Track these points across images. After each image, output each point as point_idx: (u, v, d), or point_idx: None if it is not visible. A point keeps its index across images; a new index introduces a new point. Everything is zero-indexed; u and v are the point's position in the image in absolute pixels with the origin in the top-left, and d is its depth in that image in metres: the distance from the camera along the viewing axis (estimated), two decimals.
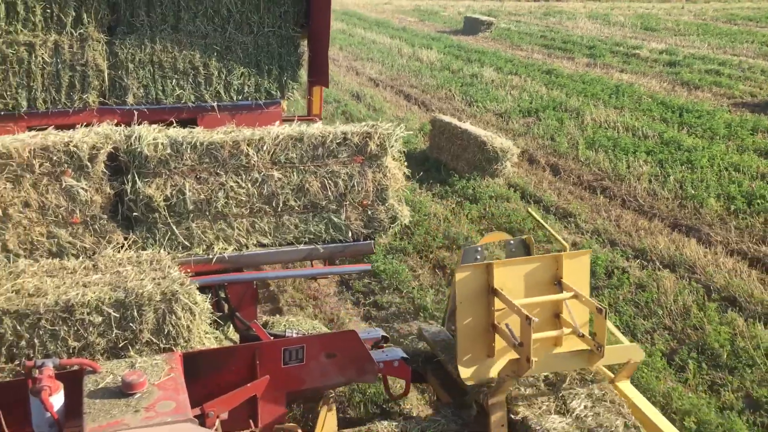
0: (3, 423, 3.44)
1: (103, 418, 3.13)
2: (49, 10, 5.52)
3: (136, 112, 5.70)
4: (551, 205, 9.40)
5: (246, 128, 4.79)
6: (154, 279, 3.93)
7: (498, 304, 4.14)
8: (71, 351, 3.78)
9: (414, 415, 5.06)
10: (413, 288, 7.11)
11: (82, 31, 5.63)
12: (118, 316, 3.78)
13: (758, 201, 8.96)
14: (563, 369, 4.21)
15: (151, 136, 4.46)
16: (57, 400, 3.20)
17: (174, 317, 3.88)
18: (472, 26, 25.45)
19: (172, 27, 5.93)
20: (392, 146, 4.86)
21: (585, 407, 4.10)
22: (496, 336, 4.22)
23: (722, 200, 9.16)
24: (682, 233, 8.43)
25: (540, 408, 4.08)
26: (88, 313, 3.74)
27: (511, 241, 4.85)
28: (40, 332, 3.72)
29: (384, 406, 5.24)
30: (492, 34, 24.53)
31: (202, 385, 3.71)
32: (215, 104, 6.17)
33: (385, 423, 4.20)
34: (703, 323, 6.41)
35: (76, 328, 3.76)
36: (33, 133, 4.44)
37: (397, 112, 14.48)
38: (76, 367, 3.48)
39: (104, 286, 3.85)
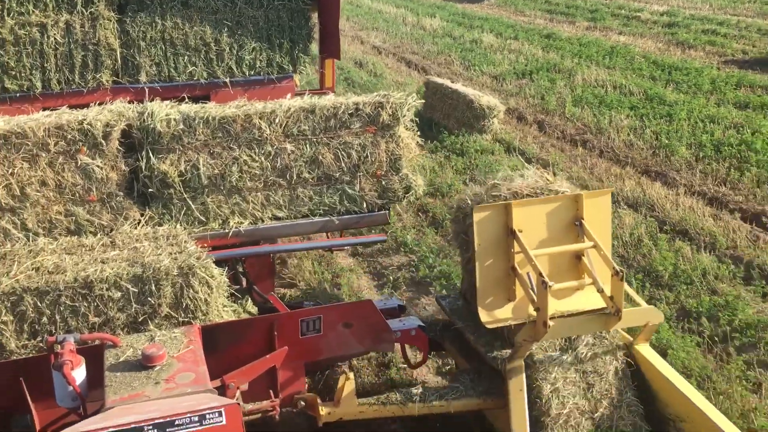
0: (28, 397, 3.52)
1: (124, 391, 3.19)
2: None
3: (148, 90, 5.71)
4: (533, 157, 9.84)
5: (258, 102, 4.78)
6: (170, 254, 3.97)
7: (517, 246, 4.05)
8: (92, 326, 3.85)
9: (431, 383, 5.09)
10: (396, 228, 7.70)
11: (92, 10, 5.63)
12: (136, 291, 3.84)
13: (726, 148, 9.49)
14: (580, 333, 4.20)
15: (163, 112, 4.48)
16: (79, 374, 3.27)
17: (191, 291, 3.93)
18: None
19: (182, 3, 5.91)
20: (404, 116, 4.83)
21: (587, 344, 4.18)
22: (516, 279, 4.13)
23: (693, 148, 9.72)
24: (651, 178, 9.04)
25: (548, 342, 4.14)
26: (107, 289, 3.80)
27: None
28: (61, 308, 3.78)
29: (402, 375, 5.28)
30: (497, 2, 24.66)
31: (222, 357, 3.75)
32: (228, 80, 6.16)
33: (404, 391, 4.22)
34: (652, 250, 7.05)
35: (96, 304, 3.83)
36: (47, 112, 4.47)
37: (397, 78, 14.82)
38: (97, 342, 3.55)
39: (122, 262, 3.90)
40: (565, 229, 4.17)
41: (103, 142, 4.38)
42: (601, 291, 4.00)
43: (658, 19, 19.46)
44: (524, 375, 4.10)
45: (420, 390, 4.25)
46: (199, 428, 2.51)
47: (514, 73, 14.44)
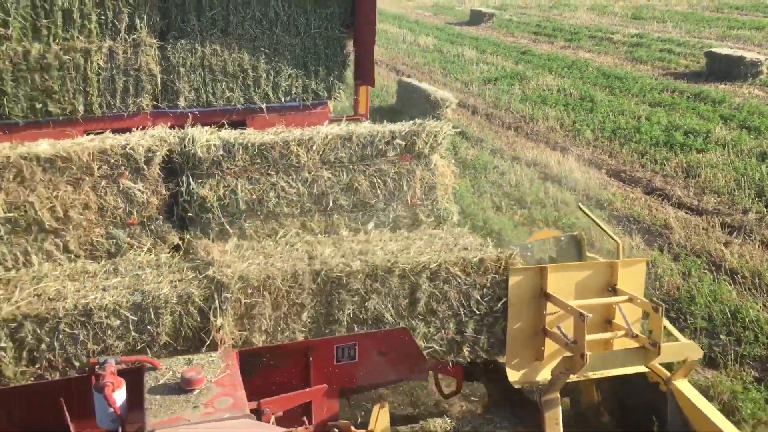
0: (67, 417, 3.56)
1: (164, 414, 3.21)
2: (103, 17, 5.67)
3: (190, 115, 5.81)
4: (471, 136, 12.47)
5: (296, 129, 4.84)
6: (171, 282, 4.00)
7: (550, 308, 4.12)
8: (90, 354, 3.86)
9: (461, 412, 5.05)
10: None
11: (135, 36, 5.77)
12: (135, 319, 3.86)
13: (620, 131, 12.39)
14: (618, 366, 4.15)
15: (203, 137, 4.55)
16: (119, 396, 3.29)
17: (191, 320, 3.95)
18: (476, 18, 28.13)
19: (222, 30, 6.03)
20: (440, 144, 4.86)
21: None
22: (547, 340, 4.20)
23: (596, 132, 12.45)
24: (555, 150, 11.62)
25: None
26: (106, 317, 3.82)
27: (562, 238, 4.81)
28: (60, 336, 3.80)
29: (433, 404, 5.24)
30: (493, 24, 27.10)
31: (257, 381, 3.76)
32: (264, 106, 6.26)
33: (439, 421, 4.20)
34: (525, 187, 9.80)
35: (94, 332, 3.85)
36: (91, 137, 4.57)
37: (384, 81, 17.13)
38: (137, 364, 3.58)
39: (122, 290, 3.93)
40: (598, 294, 4.24)
41: (144, 166, 4.46)
42: (634, 337, 4.00)
43: (627, 41, 21.63)
44: (560, 407, 4.06)
45: (454, 421, 4.22)
46: None
47: (482, 79, 17.10)
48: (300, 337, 4.14)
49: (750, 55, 16.31)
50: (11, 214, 4.25)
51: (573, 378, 4.12)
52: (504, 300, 4.27)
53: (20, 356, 3.81)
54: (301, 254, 4.29)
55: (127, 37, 5.77)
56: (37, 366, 3.84)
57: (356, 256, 4.26)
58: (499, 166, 10.81)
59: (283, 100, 6.34)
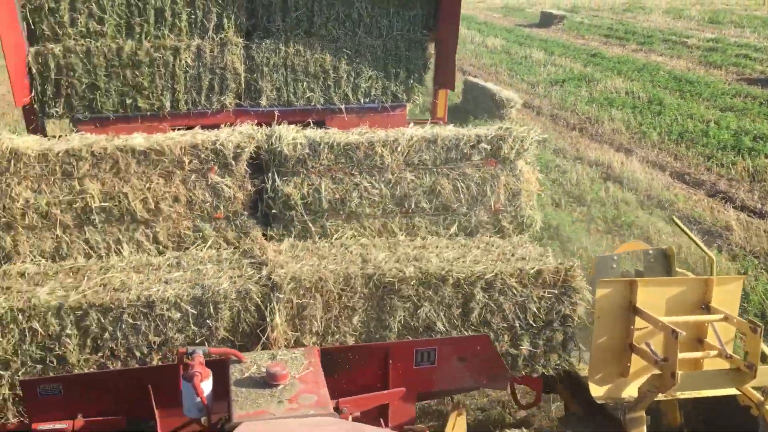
0: (154, 404, 3.63)
1: (250, 407, 3.24)
2: (193, 16, 5.81)
3: (275, 113, 5.89)
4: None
5: (380, 130, 4.84)
6: (231, 278, 4.03)
7: (639, 323, 3.98)
8: (151, 345, 3.94)
9: (537, 424, 4.94)
10: None
11: (222, 35, 5.89)
12: (195, 312, 3.91)
13: (688, 134, 12.25)
14: (709, 388, 3.98)
15: (290, 135, 4.60)
16: (206, 386, 3.34)
17: (249, 316, 3.97)
18: (546, 20, 27.52)
19: (305, 31, 6.10)
20: (526, 150, 4.77)
21: None
22: (633, 356, 4.06)
23: (662, 135, 12.39)
24: (619, 151, 11.72)
25: None
26: (167, 309, 3.89)
27: (650, 251, 4.66)
28: (123, 326, 3.89)
29: (508, 414, 5.15)
30: (564, 27, 26.54)
31: (336, 380, 3.76)
32: (343, 106, 6.29)
33: (516, 431, 4.12)
34: (585, 186, 9.96)
35: (156, 324, 3.92)
36: (182, 132, 4.67)
37: None
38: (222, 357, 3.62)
39: (184, 283, 3.99)
40: (690, 312, 4.07)
41: (232, 162, 4.53)
42: (728, 357, 3.83)
43: (702, 45, 21.06)
44: (645, 427, 3.92)
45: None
46: None
47: (548, 81, 16.95)
48: (350, 341, 4.13)
49: None
50: (106, 204, 4.38)
51: (659, 397, 3.97)
52: (561, 312, 4.16)
53: (84, 344, 3.93)
54: (355, 257, 4.29)
55: (214, 36, 5.89)
56: (100, 354, 3.96)
57: (410, 262, 4.21)
58: (561, 165, 10.85)
59: (362, 101, 6.36)
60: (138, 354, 3.99)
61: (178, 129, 4.97)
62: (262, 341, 4.00)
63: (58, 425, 3.63)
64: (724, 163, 10.74)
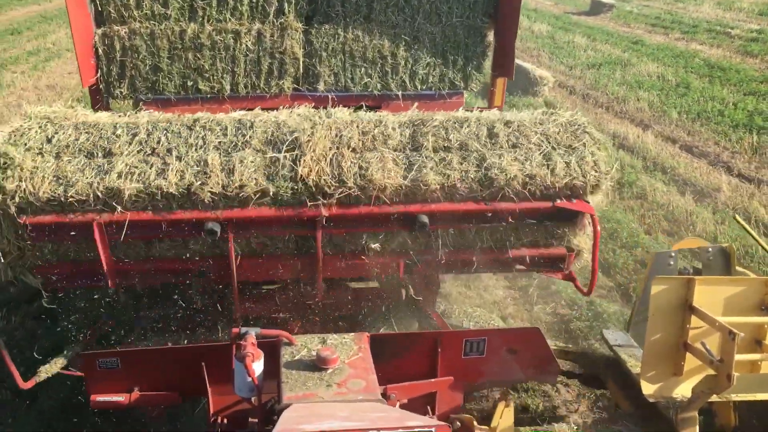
0: (206, 377, 3.73)
1: (299, 389, 3.30)
2: (254, 1, 5.87)
3: (330, 98, 5.93)
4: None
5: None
6: None
7: (695, 322, 3.89)
8: None
9: (588, 421, 4.88)
10: None
11: (282, 20, 5.94)
12: None
13: (705, 113, 12.85)
14: (766, 392, 3.87)
15: (346, 118, 4.61)
16: (258, 367, 3.41)
17: None
18: (595, 8, 27.21)
19: (365, 17, 6.09)
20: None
21: None
22: (687, 355, 3.97)
23: (681, 114, 12.99)
24: (639, 127, 12.48)
25: None
26: None
27: (709, 249, 4.53)
28: None
29: (555, 408, 5.10)
30: (612, 15, 26.46)
31: (385, 366, 3.79)
32: (400, 93, 6.28)
33: (564, 426, 4.09)
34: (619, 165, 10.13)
35: None
36: (243, 112, 4.75)
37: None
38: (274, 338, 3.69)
39: None
40: (749, 313, 3.96)
41: None
42: None
43: (745, 35, 20.76)
44: (698, 427, 3.84)
45: (580, 427, 4.09)
46: None
47: (586, 64, 17.63)
48: None
49: None
50: None
51: (713, 398, 3.88)
52: None
53: None
54: None
55: (275, 20, 5.95)
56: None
57: None
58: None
59: (419, 88, 6.33)
60: None
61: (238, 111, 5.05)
62: None
63: (115, 397, 3.78)
64: (733, 138, 11.44)
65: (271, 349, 3.60)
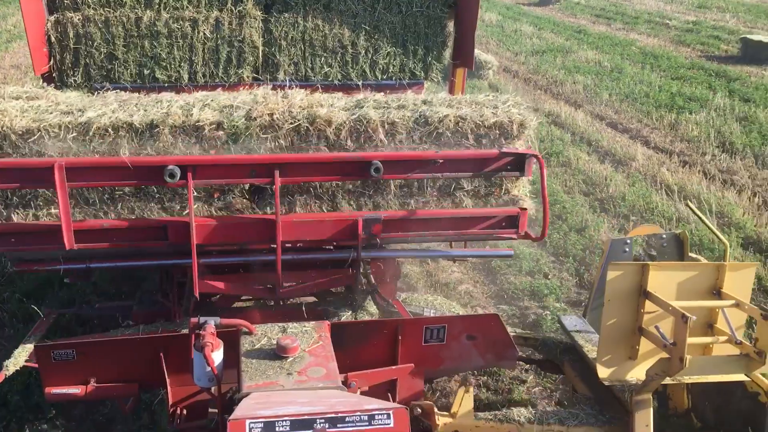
0: (165, 372, 3.69)
1: (259, 378, 3.29)
2: None
3: (293, 87, 5.87)
4: (504, 92, 13.51)
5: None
6: None
7: (648, 307, 3.98)
8: None
9: (546, 405, 4.97)
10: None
11: (241, 8, 5.87)
12: None
13: (633, 95, 14.16)
14: (717, 373, 3.98)
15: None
16: (217, 357, 3.39)
17: None
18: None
19: (324, 6, 6.06)
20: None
21: None
22: (642, 339, 4.07)
23: (611, 95, 14.23)
24: (572, 106, 13.79)
25: None
26: None
27: (663, 235, 4.63)
28: None
29: (517, 394, 5.18)
30: (560, 6, 28.17)
31: (346, 354, 3.80)
32: (360, 82, 6.27)
33: (523, 411, 4.14)
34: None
35: None
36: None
37: None
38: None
39: None
40: (701, 297, 4.06)
41: None
42: (738, 344, 3.83)
43: (682, 26, 22.62)
44: (651, 409, 3.94)
45: (538, 412, 4.16)
46: (368, 428, 2.54)
47: (530, 51, 18.92)
48: None
49: None
50: None
51: (667, 381, 3.98)
52: None
53: None
54: None
55: (233, 8, 5.87)
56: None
57: None
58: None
59: (379, 77, 6.33)
60: None
61: None
62: None
63: (71, 389, 3.71)
64: (654, 116, 12.72)
65: (230, 339, 3.58)
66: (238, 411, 2.78)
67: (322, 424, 2.44)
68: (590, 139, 11.61)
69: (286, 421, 2.57)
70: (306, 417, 2.58)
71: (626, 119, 12.84)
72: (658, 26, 22.77)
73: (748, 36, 18.41)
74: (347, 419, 2.51)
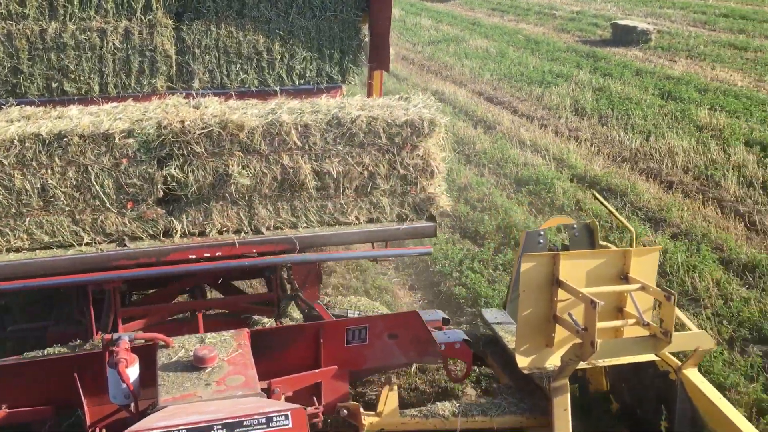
0: (81, 392, 3.60)
1: (177, 390, 3.25)
2: None
3: (209, 96, 5.81)
4: (400, 76, 16.42)
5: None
6: None
7: (561, 295, 4.12)
8: None
9: (471, 397, 5.07)
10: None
11: (151, 17, 5.76)
12: None
13: (509, 75, 16.12)
14: (627, 354, 4.15)
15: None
16: (132, 373, 3.34)
17: None
18: None
19: (237, 12, 6.01)
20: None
21: None
22: (557, 327, 4.21)
23: (492, 76, 16.12)
24: (457, 85, 15.72)
25: None
26: None
27: (575, 225, 4.80)
28: None
29: (441, 389, 5.26)
30: (461, 1, 29.99)
31: (268, 361, 3.79)
32: (278, 88, 6.25)
33: (447, 404, 4.22)
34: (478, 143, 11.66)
35: None
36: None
37: None
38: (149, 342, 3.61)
39: None
40: (611, 282, 4.23)
41: None
42: (646, 325, 4.00)
43: (566, 16, 24.58)
44: (569, 394, 4.07)
45: (462, 405, 4.24)
46: (267, 430, 2.55)
47: (427, 42, 20.71)
48: None
49: (641, 25, 19.60)
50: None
51: (582, 365, 4.12)
52: None
53: None
54: None
55: (143, 17, 5.76)
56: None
57: None
58: (409, 92, 12.37)
59: (297, 82, 6.32)
60: None
61: None
62: None
63: None
64: (524, 91, 14.57)
65: (147, 354, 3.52)
66: (136, 425, 2.76)
67: (219, 431, 2.44)
68: (467, 111, 13.37)
69: (182, 430, 2.57)
70: (203, 425, 2.58)
71: (501, 94, 14.70)
72: (546, 17, 24.73)
73: (617, 21, 20.25)
74: (245, 423, 2.52)
